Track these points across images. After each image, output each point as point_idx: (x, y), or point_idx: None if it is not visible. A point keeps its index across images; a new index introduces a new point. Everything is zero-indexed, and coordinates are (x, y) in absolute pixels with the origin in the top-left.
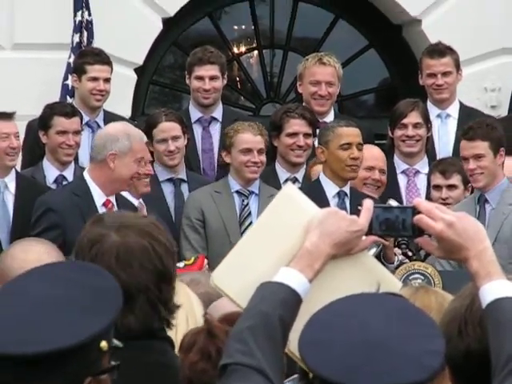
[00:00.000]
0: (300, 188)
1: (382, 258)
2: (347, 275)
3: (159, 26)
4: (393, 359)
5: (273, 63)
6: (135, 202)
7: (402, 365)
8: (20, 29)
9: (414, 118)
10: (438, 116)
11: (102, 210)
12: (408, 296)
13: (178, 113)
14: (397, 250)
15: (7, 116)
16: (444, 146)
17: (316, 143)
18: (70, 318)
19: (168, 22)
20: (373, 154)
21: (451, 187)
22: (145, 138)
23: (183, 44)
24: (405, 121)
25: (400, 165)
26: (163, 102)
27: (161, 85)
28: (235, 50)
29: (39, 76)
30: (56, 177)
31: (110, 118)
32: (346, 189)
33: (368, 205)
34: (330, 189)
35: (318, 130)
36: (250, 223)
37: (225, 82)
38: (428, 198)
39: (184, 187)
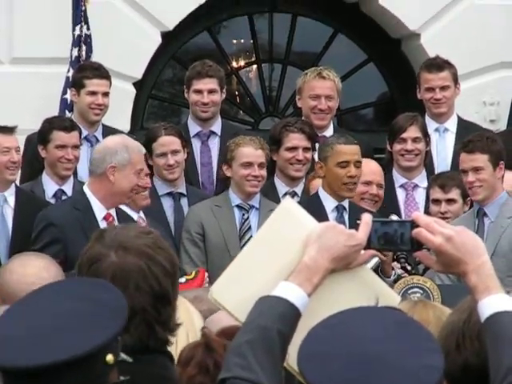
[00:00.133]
0: (299, 202)
1: (380, 272)
2: (346, 289)
3: (158, 40)
4: (391, 373)
5: (272, 77)
6: (135, 215)
7: (401, 379)
8: (19, 43)
9: (413, 132)
10: (436, 130)
11: (102, 223)
12: (406, 310)
13: (178, 127)
14: (395, 264)
15: (8, 130)
16: (442, 160)
17: (316, 157)
18: (75, 331)
19: (167, 36)
20: (370, 169)
21: (450, 201)
22: (143, 150)
23: (182, 58)
24: (404, 135)
25: (399, 179)
26: (162, 116)
27: (160, 99)
28: (234, 64)
29: (38, 90)
30: (55, 191)
31: (108, 132)
32: (345, 203)
33: (366, 219)
34: (329, 203)
35: (317, 144)
36: (250, 237)
37: (223, 95)
38: (427, 212)
39: (183, 201)
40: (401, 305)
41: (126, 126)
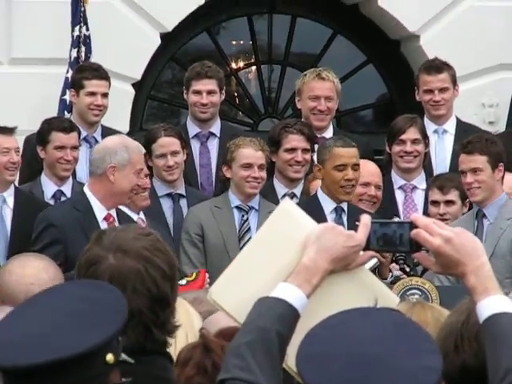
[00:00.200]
0: (297, 203)
1: (377, 274)
2: (345, 290)
3: (157, 41)
4: (390, 374)
5: (271, 78)
6: (135, 217)
7: (399, 380)
8: (18, 44)
9: (412, 133)
10: (435, 132)
11: (103, 224)
12: (405, 311)
13: (177, 128)
14: (394, 266)
15: (8, 131)
16: (441, 162)
17: (315, 158)
18: (74, 330)
19: (166, 37)
20: (369, 170)
21: (449, 203)
22: (143, 150)
23: (181, 59)
24: (403, 137)
25: (397, 180)
26: (161, 117)
27: (159, 100)
28: (233, 65)
29: (37, 91)
30: (54, 192)
31: (107, 133)
32: (344, 205)
33: (366, 220)
34: (328, 204)
35: (316, 146)
36: (250, 238)
37: (223, 97)
38: (425, 213)
39: (183, 202)
40: (399, 306)
41: (125, 126)
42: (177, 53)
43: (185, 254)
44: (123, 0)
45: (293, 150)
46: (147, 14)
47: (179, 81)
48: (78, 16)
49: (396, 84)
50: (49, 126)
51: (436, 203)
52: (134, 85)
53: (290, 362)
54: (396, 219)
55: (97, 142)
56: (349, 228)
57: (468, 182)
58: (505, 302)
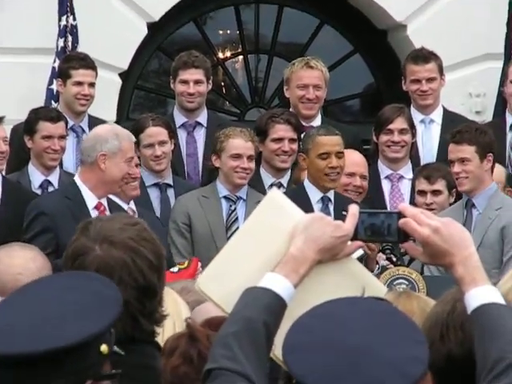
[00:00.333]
0: (284, 193)
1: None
2: (333, 280)
3: (144, 31)
4: (376, 365)
5: (258, 68)
6: (125, 206)
7: (386, 371)
8: (4, 33)
9: (399, 123)
10: (422, 121)
11: (94, 212)
12: (391, 301)
13: (165, 118)
14: (381, 256)
15: None
16: (428, 152)
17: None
18: (69, 320)
19: (153, 27)
20: (354, 160)
21: (436, 192)
22: (133, 138)
23: (168, 49)
24: (391, 126)
25: (384, 170)
26: (148, 107)
27: (146, 90)
28: (220, 54)
29: (24, 80)
30: (41, 182)
31: (94, 122)
32: (330, 194)
33: (353, 210)
34: (314, 194)
35: (302, 135)
36: (237, 228)
37: (210, 86)
38: (412, 203)
39: (170, 192)
40: (385, 296)
41: (111, 116)
42: (163, 42)
43: (172, 244)
44: None
45: (280, 139)
46: (134, 3)
47: (166, 70)
48: (65, 6)
49: (383, 73)
50: (36, 115)
51: (423, 193)
52: (120, 74)
53: (278, 351)
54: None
55: (83, 131)
56: (335, 218)
57: (456, 172)
58: (493, 292)
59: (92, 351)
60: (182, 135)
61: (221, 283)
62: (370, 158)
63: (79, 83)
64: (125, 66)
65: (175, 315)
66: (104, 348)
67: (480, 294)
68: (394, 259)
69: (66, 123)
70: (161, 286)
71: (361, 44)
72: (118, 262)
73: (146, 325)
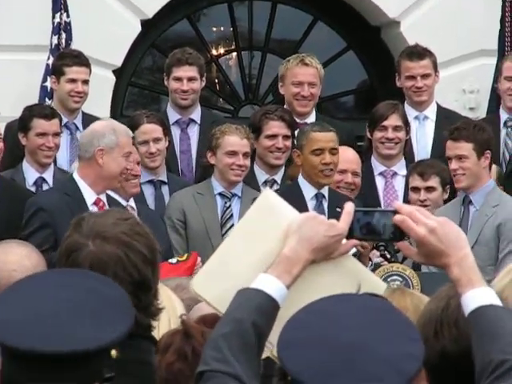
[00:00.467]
0: (278, 189)
1: None
2: (329, 279)
3: (138, 28)
4: (371, 362)
5: (251, 65)
6: (124, 203)
7: (381, 367)
8: None
9: (394, 120)
10: (416, 118)
11: (93, 208)
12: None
13: (160, 115)
14: (375, 252)
15: None
16: (422, 148)
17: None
18: (94, 322)
19: (146, 24)
20: (346, 157)
21: (429, 189)
22: (130, 133)
23: (162, 46)
24: (385, 123)
25: (377, 166)
26: (142, 104)
27: (139, 87)
28: (214, 51)
29: (18, 78)
30: (36, 179)
31: (88, 119)
32: (325, 191)
33: (348, 209)
34: (308, 191)
35: (297, 132)
36: (232, 225)
37: (203, 83)
38: (406, 200)
39: (164, 189)
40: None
41: (105, 113)
42: (157, 39)
43: None
44: None
45: (274, 136)
46: (128, 0)
47: (160, 67)
48: (59, 3)
49: (376, 70)
50: (30, 112)
51: (416, 189)
52: (114, 71)
53: (276, 350)
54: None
55: (77, 128)
56: (329, 214)
57: (453, 169)
58: (490, 294)
59: (107, 355)
60: (175, 132)
61: (215, 284)
62: (363, 154)
63: (73, 80)
64: (118, 63)
65: (170, 311)
66: (113, 352)
67: (477, 295)
68: (388, 256)
69: (61, 120)
70: (155, 279)
71: (354, 41)
72: (111, 258)
73: (142, 319)
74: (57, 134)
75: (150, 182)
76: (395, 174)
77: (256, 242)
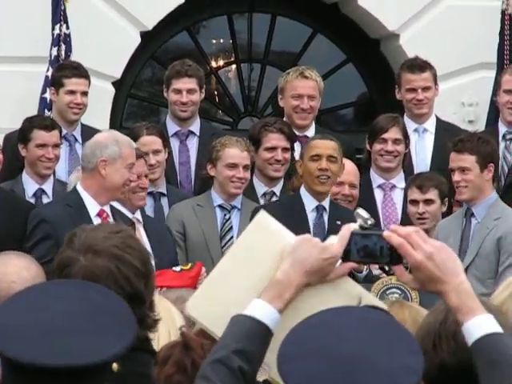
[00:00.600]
0: (278, 201)
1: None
2: (327, 301)
3: (137, 40)
4: (371, 375)
5: (251, 77)
6: (129, 215)
7: (381, 381)
8: None
9: (394, 133)
10: (416, 130)
11: (96, 220)
12: None
13: (159, 126)
14: (374, 265)
15: None
16: (421, 161)
17: (296, 156)
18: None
19: (146, 36)
20: (343, 168)
21: (428, 202)
22: (133, 145)
23: (161, 58)
24: (385, 135)
25: (376, 179)
26: (141, 116)
27: (139, 98)
28: (213, 63)
29: (18, 89)
30: (35, 190)
31: (87, 131)
32: (325, 203)
33: (344, 232)
34: (309, 202)
35: (296, 144)
36: (231, 238)
37: (203, 95)
38: (404, 212)
39: (164, 201)
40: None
41: (105, 125)
42: (157, 51)
43: None
44: None
45: (273, 148)
46: (127, 12)
47: (159, 79)
48: (59, 14)
49: (376, 83)
50: (30, 123)
51: (415, 202)
52: (114, 83)
53: (273, 372)
54: (359, 210)
55: (76, 140)
56: (329, 227)
57: (456, 181)
58: (492, 321)
59: (107, 368)
60: (174, 144)
61: (210, 308)
62: (362, 166)
63: (72, 92)
64: (118, 74)
65: (170, 323)
66: (115, 366)
67: (480, 323)
68: (387, 268)
69: (61, 132)
70: (149, 291)
71: (354, 53)
72: (103, 271)
73: (138, 331)
74: (57, 146)
75: (150, 193)
76: (394, 186)
77: (251, 266)
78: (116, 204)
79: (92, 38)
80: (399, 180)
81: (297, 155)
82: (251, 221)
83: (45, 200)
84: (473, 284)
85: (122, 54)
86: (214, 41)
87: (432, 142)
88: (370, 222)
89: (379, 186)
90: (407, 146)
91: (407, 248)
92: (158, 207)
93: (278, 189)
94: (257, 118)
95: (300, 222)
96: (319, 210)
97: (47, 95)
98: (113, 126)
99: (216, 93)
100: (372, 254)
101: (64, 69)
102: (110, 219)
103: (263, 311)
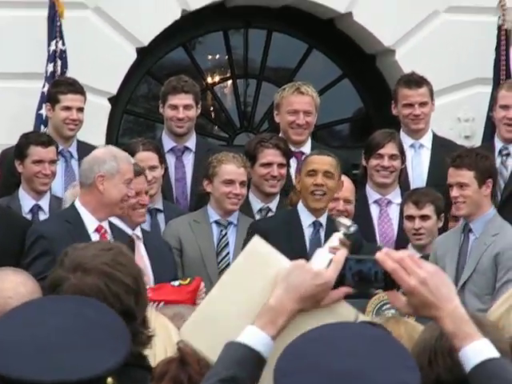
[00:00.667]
0: (274, 216)
1: None
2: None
3: (133, 56)
4: None
5: (246, 93)
6: (129, 231)
7: None
8: None
9: (390, 149)
10: (412, 146)
11: (94, 236)
12: None
13: (155, 142)
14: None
15: None
16: (418, 176)
17: (291, 172)
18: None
19: (142, 52)
20: None
21: (424, 217)
22: (131, 160)
23: (157, 73)
24: (381, 151)
25: (372, 195)
26: (137, 132)
27: (135, 114)
28: (209, 79)
29: (14, 105)
30: (32, 206)
31: (83, 147)
32: (323, 219)
33: (338, 257)
34: (306, 218)
35: (291, 160)
36: (228, 254)
37: (199, 111)
38: (400, 228)
39: (160, 217)
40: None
41: (101, 141)
42: (153, 67)
43: None
44: (99, 15)
45: (268, 164)
46: (123, 28)
47: (155, 95)
48: (55, 30)
49: (372, 98)
50: (27, 140)
51: (411, 218)
52: (110, 99)
53: None
54: (341, 219)
55: (72, 156)
56: (326, 242)
57: (454, 196)
58: (489, 347)
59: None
60: (170, 160)
61: (205, 334)
62: (358, 182)
63: (68, 108)
64: (114, 90)
65: (166, 339)
66: (110, 380)
67: (479, 349)
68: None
69: (57, 148)
70: (140, 308)
71: (349, 69)
72: (92, 289)
73: (131, 348)
74: (53, 162)
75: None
76: (390, 202)
77: (245, 292)
78: (116, 220)
79: (88, 54)
80: (395, 196)
81: (292, 171)
82: (246, 240)
83: (41, 216)
84: (470, 300)
85: (118, 70)
86: (209, 56)
87: (428, 157)
88: (352, 229)
89: (375, 202)
90: (403, 161)
91: (401, 274)
92: (155, 223)
93: (273, 205)
94: (253, 134)
95: (296, 238)
96: (316, 225)
97: (43, 111)
98: (109, 141)
99: (212, 108)
100: (366, 279)
101: (60, 85)
102: (109, 235)
103: (255, 338)
